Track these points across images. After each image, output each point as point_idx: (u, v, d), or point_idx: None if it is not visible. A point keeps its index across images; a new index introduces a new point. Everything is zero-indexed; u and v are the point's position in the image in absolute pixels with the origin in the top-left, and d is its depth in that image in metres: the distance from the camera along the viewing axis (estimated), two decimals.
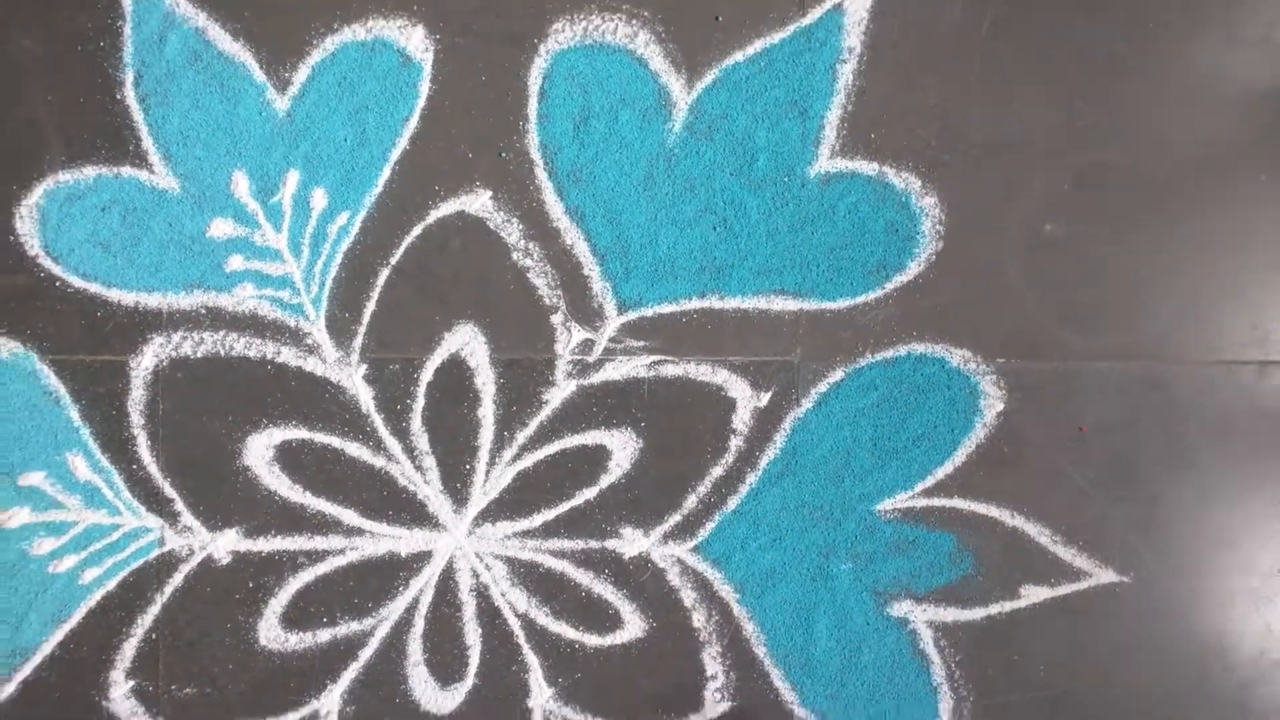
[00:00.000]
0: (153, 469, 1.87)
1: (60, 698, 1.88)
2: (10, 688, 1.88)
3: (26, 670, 1.88)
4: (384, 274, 1.89)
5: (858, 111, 1.93)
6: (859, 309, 1.94)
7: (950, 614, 1.96)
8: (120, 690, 1.88)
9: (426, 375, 1.91)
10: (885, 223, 1.94)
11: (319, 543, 1.91)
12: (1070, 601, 1.97)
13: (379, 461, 1.91)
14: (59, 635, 1.88)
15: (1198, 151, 1.94)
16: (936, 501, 1.95)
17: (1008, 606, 1.96)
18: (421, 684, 1.93)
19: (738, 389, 1.94)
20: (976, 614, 1.97)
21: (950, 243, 1.94)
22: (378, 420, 1.91)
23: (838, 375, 1.95)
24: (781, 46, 1.90)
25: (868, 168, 1.93)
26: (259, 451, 1.89)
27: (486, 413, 1.92)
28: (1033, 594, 1.96)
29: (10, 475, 1.86)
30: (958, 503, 1.95)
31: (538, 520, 1.93)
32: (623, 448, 1.93)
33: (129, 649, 1.88)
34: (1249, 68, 1.94)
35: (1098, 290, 1.96)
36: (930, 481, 1.95)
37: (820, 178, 1.93)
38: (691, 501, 1.94)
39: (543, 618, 1.93)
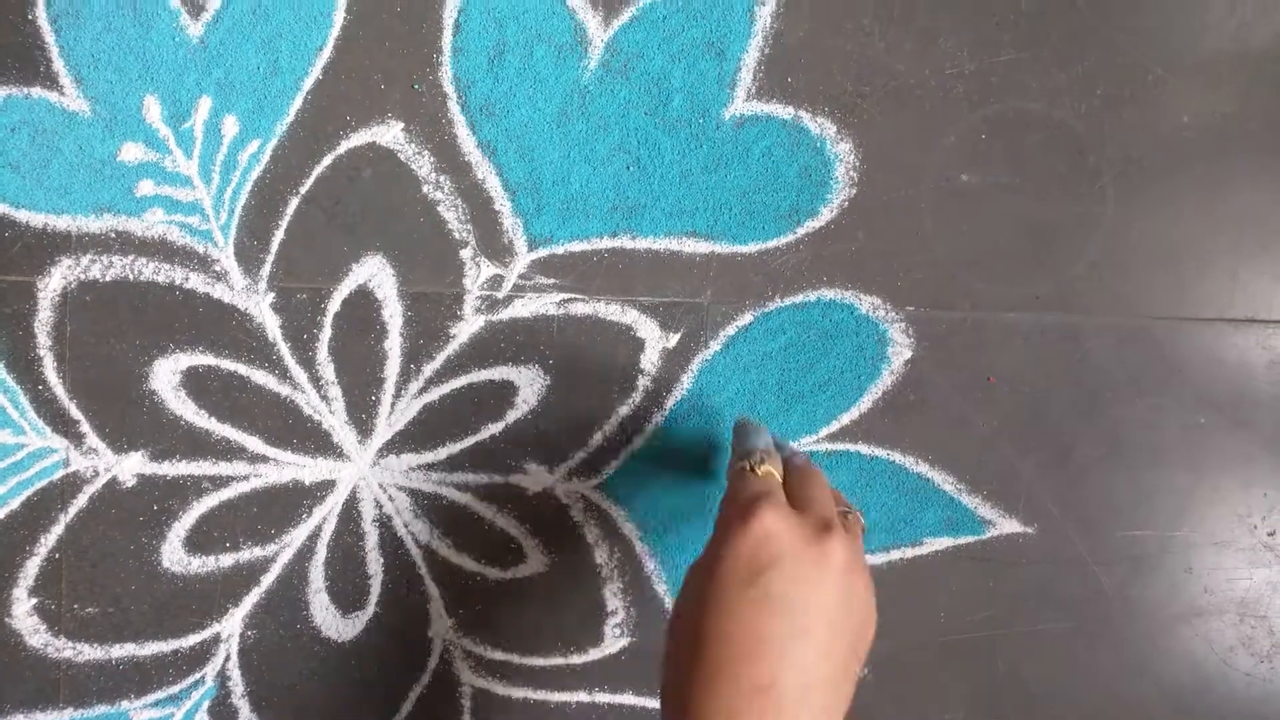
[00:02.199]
0: (59, 390, 1.88)
1: None
2: None
3: None
4: (293, 203, 1.89)
5: (775, 54, 1.92)
6: (770, 253, 1.94)
7: None
8: (23, 608, 1.90)
9: (334, 305, 1.91)
10: (799, 167, 1.93)
11: (223, 468, 1.92)
12: (973, 550, 1.98)
13: (284, 390, 1.92)
14: None
15: (1119, 102, 1.93)
16: (840, 446, 1.96)
17: (909, 553, 1.98)
18: (322, 611, 1.94)
19: (647, 329, 1.95)
20: (877, 558, 1.99)
21: (864, 189, 1.93)
22: (284, 349, 1.91)
23: (746, 318, 1.95)
24: None
25: (783, 111, 1.92)
26: (165, 376, 1.89)
27: (393, 345, 1.92)
28: (934, 542, 1.98)
29: None
30: (862, 448, 1.96)
31: (442, 453, 1.94)
32: (530, 384, 1.94)
33: (32, 567, 1.89)
34: (1173, 13, 1.93)
35: (1011, 241, 1.95)
36: (835, 427, 1.96)
37: (735, 120, 1.93)
38: (597, 439, 1.95)
39: (445, 549, 1.95)
